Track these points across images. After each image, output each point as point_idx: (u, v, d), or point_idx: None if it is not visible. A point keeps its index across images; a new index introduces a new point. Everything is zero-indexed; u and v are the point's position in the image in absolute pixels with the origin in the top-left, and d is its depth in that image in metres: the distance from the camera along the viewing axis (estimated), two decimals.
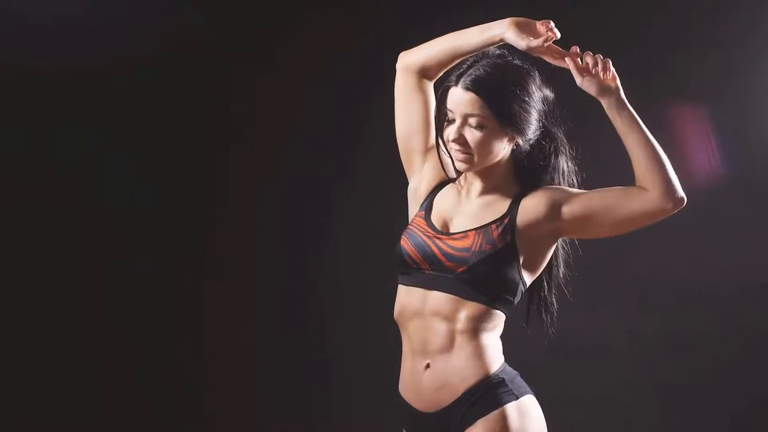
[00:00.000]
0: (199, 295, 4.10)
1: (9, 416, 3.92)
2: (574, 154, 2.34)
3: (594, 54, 2.21)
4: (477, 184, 2.32)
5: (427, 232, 2.29)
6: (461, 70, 2.26)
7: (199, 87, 4.03)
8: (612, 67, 2.21)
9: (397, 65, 2.41)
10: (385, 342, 3.84)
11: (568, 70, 2.23)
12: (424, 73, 2.38)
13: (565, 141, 2.33)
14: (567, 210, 2.24)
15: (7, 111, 3.91)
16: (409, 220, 2.38)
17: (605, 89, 2.20)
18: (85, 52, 3.91)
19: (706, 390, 3.91)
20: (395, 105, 2.42)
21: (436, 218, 2.32)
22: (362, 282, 4.00)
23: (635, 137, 2.20)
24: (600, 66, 2.20)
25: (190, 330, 4.09)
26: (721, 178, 3.90)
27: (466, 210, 2.31)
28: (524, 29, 2.23)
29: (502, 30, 2.24)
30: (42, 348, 3.96)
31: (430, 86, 2.40)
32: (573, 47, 2.22)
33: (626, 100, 2.22)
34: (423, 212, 2.34)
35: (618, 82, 2.21)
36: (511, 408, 2.22)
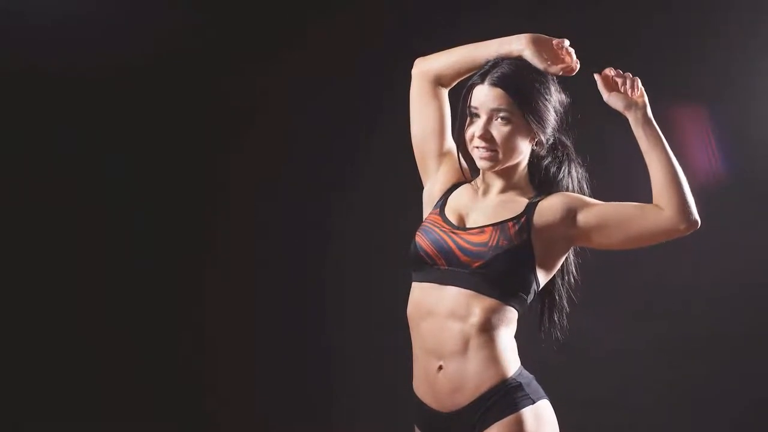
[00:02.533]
0: (199, 295, 4.10)
1: (9, 416, 3.92)
2: (581, 162, 2.37)
3: (624, 73, 2.25)
4: (494, 185, 2.34)
5: (443, 227, 2.31)
6: (485, 70, 2.30)
7: (199, 87, 4.02)
8: (641, 86, 2.24)
9: (413, 71, 2.45)
10: (386, 342, 3.85)
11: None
12: (439, 80, 2.42)
13: (573, 149, 2.37)
14: (582, 218, 2.27)
15: (7, 111, 3.90)
16: (423, 219, 2.39)
17: (632, 105, 2.24)
18: (85, 52, 3.90)
19: (708, 391, 3.91)
20: (411, 110, 2.45)
21: (451, 214, 2.34)
22: (363, 282, 4.00)
23: (657, 155, 2.24)
24: (628, 84, 2.23)
25: (190, 330, 4.09)
26: (721, 178, 3.91)
27: (482, 207, 2.33)
28: (542, 47, 2.29)
29: (521, 47, 2.30)
30: (42, 348, 3.96)
31: (444, 93, 2.44)
32: (608, 70, 2.27)
33: (652, 118, 2.25)
34: (438, 209, 2.36)
35: (646, 98, 2.25)
36: (527, 413, 2.24)
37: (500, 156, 2.28)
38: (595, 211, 2.26)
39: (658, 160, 2.24)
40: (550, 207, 2.27)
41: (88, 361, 4.00)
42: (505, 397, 2.24)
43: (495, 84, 2.27)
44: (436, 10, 3.88)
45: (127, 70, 3.96)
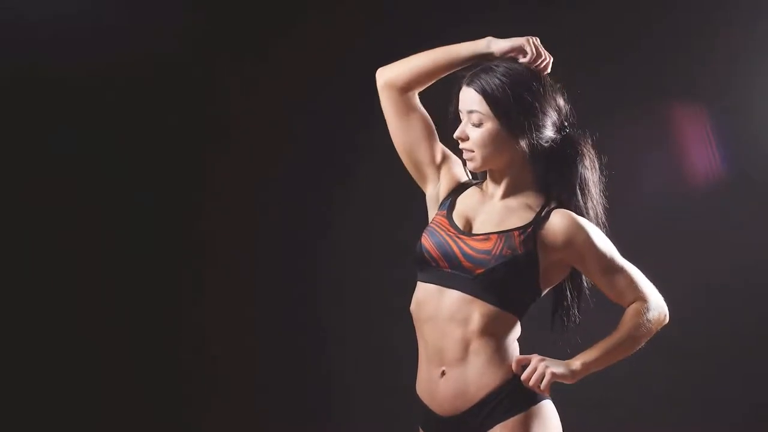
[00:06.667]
0: (199, 294, 4.10)
1: (9, 416, 3.92)
2: (596, 161, 2.33)
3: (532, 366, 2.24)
4: (498, 187, 2.33)
5: (449, 230, 2.30)
6: (470, 72, 2.29)
7: (198, 87, 4.02)
8: (545, 376, 2.22)
9: (379, 83, 2.40)
10: (386, 342, 3.85)
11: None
12: (410, 85, 2.37)
13: (583, 148, 2.32)
14: (576, 263, 2.29)
15: (8, 111, 3.90)
16: (429, 221, 2.38)
17: (569, 376, 2.25)
18: (85, 52, 3.90)
19: (708, 392, 3.90)
20: (388, 123, 2.41)
21: (458, 217, 2.32)
22: (363, 282, 4.00)
23: (624, 353, 2.31)
24: (533, 381, 2.23)
25: (191, 330, 4.09)
26: (721, 178, 3.91)
27: (489, 211, 2.32)
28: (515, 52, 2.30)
29: (488, 41, 2.30)
30: (42, 347, 3.96)
31: (416, 97, 2.40)
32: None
33: (587, 367, 2.27)
34: (445, 211, 2.35)
35: (565, 369, 2.25)
36: (530, 414, 2.24)
37: (477, 157, 2.28)
38: (587, 267, 2.29)
39: (630, 351, 2.32)
40: (556, 230, 2.25)
41: (88, 361, 4.00)
42: (508, 399, 2.24)
43: (469, 85, 2.27)
44: (435, 9, 3.88)
45: (126, 70, 3.95)
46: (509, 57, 2.29)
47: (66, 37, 3.89)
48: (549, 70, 2.31)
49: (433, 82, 2.37)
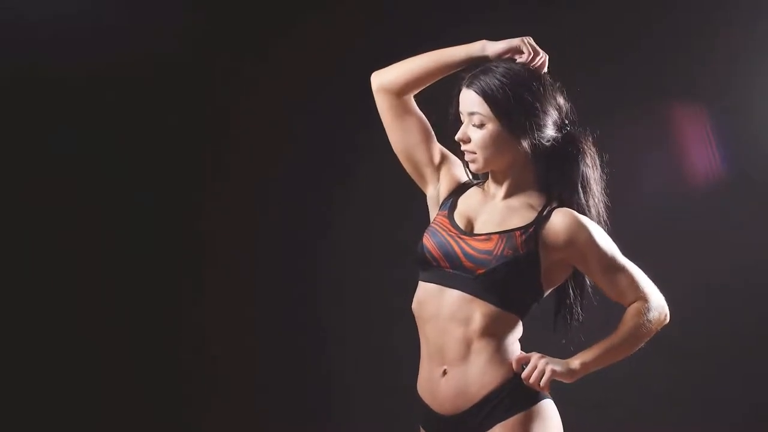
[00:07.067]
0: (199, 294, 4.10)
1: (9, 416, 3.92)
2: (597, 159, 2.33)
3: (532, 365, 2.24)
4: (499, 187, 2.33)
5: (450, 231, 2.30)
6: (471, 73, 2.29)
7: (198, 87, 4.02)
8: (545, 373, 2.22)
9: (374, 87, 2.42)
10: (386, 342, 3.85)
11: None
12: (406, 89, 2.38)
13: (584, 146, 2.32)
14: (577, 262, 2.29)
15: (8, 111, 3.90)
16: (431, 221, 2.39)
17: (567, 375, 2.25)
18: (85, 52, 3.90)
19: (708, 392, 3.90)
20: (385, 126, 2.42)
21: (459, 217, 2.33)
22: (363, 282, 4.00)
23: (624, 353, 2.31)
24: (533, 379, 2.23)
25: (191, 330, 4.09)
26: (721, 178, 3.91)
27: (490, 211, 2.32)
28: (509, 53, 2.30)
29: (483, 45, 2.30)
30: (42, 348, 3.96)
31: (411, 98, 2.41)
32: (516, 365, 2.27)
33: (585, 366, 2.27)
34: (446, 211, 2.35)
35: (564, 368, 2.25)
36: (530, 413, 2.24)
37: (480, 159, 2.29)
38: (589, 267, 2.28)
39: (629, 352, 2.32)
40: (558, 229, 2.25)
41: (88, 361, 4.00)
42: (509, 398, 2.24)
43: (469, 86, 2.27)
44: (436, 7, 3.88)
45: (126, 70, 3.95)
46: (506, 58, 2.29)
47: (66, 37, 3.89)
48: (546, 67, 2.32)
49: (428, 85, 2.38)
